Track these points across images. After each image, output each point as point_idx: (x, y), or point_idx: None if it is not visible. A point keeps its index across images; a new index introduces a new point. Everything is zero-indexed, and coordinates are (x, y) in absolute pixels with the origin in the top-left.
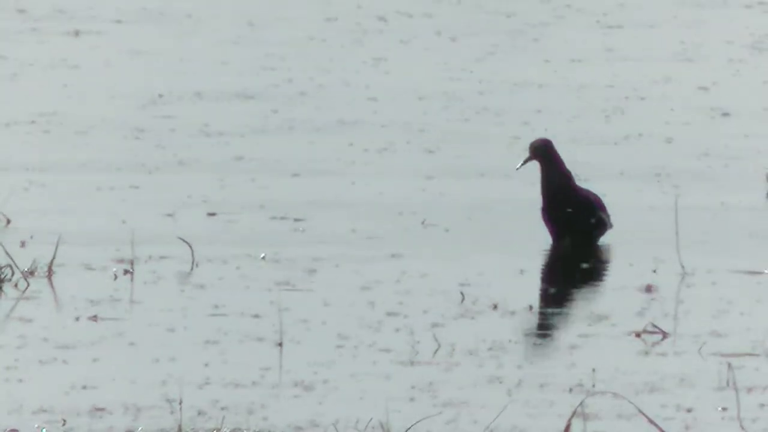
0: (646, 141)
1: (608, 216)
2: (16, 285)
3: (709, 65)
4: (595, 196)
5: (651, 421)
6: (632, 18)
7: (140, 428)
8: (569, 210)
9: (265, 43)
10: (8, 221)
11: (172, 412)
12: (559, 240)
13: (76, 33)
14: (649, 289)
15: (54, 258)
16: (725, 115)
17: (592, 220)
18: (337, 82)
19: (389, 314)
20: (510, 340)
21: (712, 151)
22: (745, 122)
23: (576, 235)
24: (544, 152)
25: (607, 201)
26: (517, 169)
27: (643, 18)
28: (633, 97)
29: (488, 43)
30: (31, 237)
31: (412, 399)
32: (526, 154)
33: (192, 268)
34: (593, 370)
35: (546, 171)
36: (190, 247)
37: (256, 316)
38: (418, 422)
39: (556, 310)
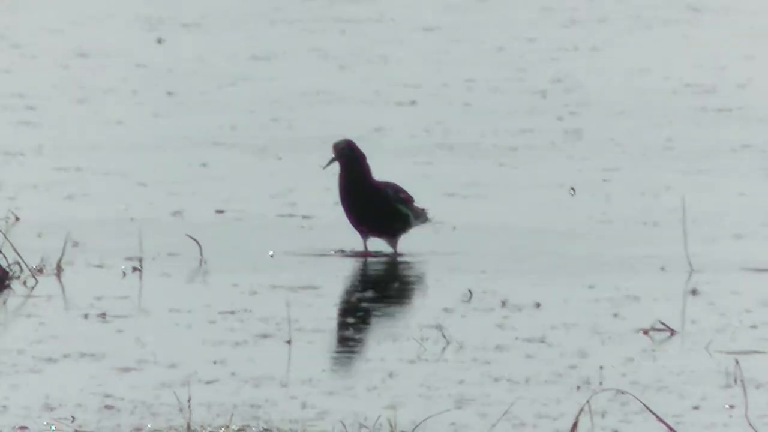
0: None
1: (415, 210)
2: (24, 282)
3: None
4: (397, 189)
5: (659, 419)
6: None
7: (149, 425)
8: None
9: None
10: (17, 218)
11: (180, 410)
12: (366, 233)
13: None
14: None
15: (63, 255)
16: None
17: (392, 216)
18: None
19: (397, 311)
20: (517, 337)
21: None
22: None
23: (377, 232)
24: (348, 152)
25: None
26: (324, 168)
27: None
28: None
29: None
30: (39, 235)
31: (419, 396)
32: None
33: (200, 266)
34: (601, 367)
35: (345, 171)
36: (199, 244)
37: (265, 313)
38: (425, 420)
39: (562, 308)
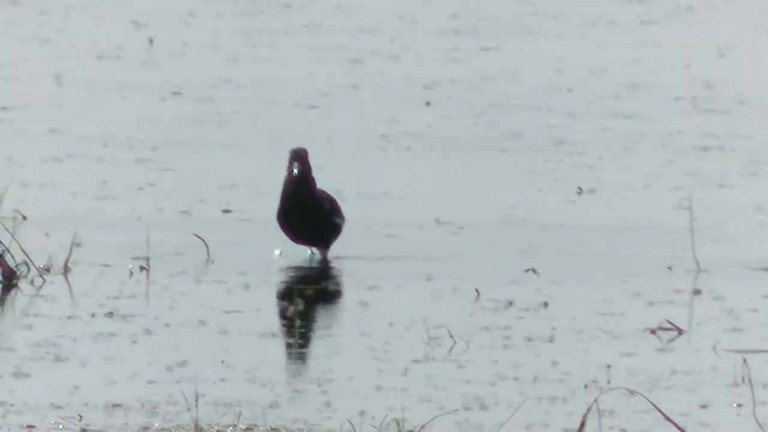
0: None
1: (342, 218)
2: (32, 282)
3: None
4: (332, 200)
5: (666, 418)
6: None
7: (156, 424)
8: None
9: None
10: (24, 217)
11: (188, 409)
12: (297, 242)
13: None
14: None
15: (70, 255)
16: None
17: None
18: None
19: (404, 311)
20: (524, 337)
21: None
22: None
23: (310, 241)
24: (302, 159)
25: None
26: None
27: None
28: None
29: None
30: (47, 234)
31: (427, 396)
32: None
33: (207, 265)
34: (608, 366)
35: (293, 182)
36: (206, 243)
37: (272, 312)
38: (433, 419)
39: (570, 307)
